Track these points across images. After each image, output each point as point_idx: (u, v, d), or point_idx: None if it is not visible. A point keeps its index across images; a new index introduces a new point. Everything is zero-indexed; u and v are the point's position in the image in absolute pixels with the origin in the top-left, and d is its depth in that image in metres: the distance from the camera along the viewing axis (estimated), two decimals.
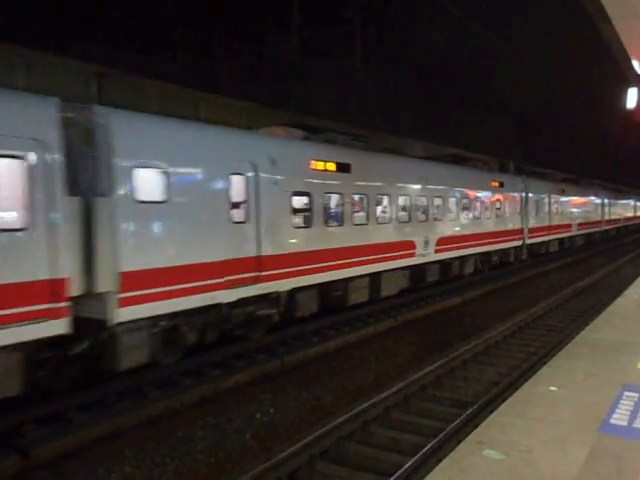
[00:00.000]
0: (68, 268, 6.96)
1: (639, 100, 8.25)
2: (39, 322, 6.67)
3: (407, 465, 5.81)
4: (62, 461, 6.40)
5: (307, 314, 11.32)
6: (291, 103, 15.31)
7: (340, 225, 12.05)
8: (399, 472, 5.69)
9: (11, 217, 6.77)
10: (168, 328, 8.44)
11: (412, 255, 14.73)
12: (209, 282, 8.84)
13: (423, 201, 15.33)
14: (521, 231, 21.98)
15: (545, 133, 35.08)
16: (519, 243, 21.88)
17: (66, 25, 10.75)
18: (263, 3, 13.55)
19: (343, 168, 12.11)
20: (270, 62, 14.28)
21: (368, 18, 15.79)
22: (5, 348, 6.43)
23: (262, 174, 9.78)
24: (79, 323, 7.18)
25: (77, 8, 10.76)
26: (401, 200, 14.42)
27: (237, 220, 9.40)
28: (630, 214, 45.58)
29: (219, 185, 9.14)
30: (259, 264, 9.73)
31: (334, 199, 12.09)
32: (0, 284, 6.34)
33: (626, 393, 5.77)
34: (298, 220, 11.00)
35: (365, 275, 12.83)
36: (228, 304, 9.25)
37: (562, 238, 27.61)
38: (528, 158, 29.93)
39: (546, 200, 25.15)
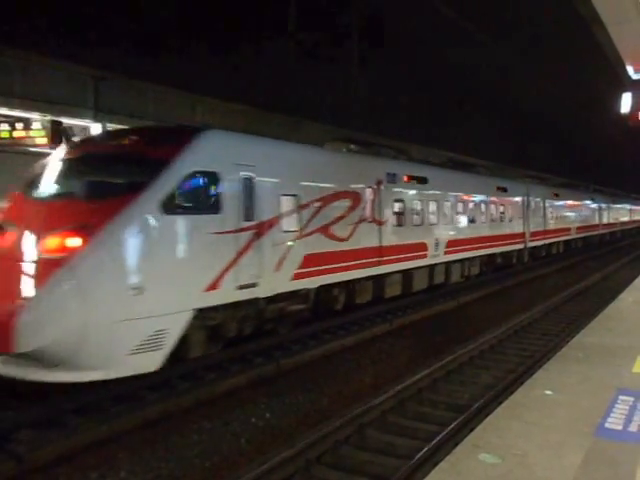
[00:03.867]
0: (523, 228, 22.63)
1: (633, 104, 8.29)
2: (522, 244, 22.39)
3: (403, 469, 5.81)
4: (56, 466, 6.36)
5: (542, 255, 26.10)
6: (289, 105, 15.33)
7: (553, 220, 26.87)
8: (395, 476, 5.69)
9: (518, 215, 22.23)
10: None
11: (569, 235, 29.68)
12: (513, 241, 21.57)
13: (575, 210, 31.24)
14: (598, 226, 36.94)
15: (541, 136, 35.18)
16: (597, 233, 36.85)
17: (63, 27, 10.74)
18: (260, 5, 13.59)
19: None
20: (267, 65, 14.28)
21: (365, 20, 15.82)
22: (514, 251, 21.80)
23: (530, 197, 23.63)
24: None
25: (73, 10, 10.75)
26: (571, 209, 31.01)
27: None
28: None
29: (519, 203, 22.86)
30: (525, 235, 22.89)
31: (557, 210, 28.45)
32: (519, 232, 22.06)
33: (621, 397, 5.79)
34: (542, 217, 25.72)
35: (557, 242, 27.85)
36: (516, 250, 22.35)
37: (612, 231, 42.97)
38: (527, 162, 30.17)
39: (607, 207, 40.12)
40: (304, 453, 6.25)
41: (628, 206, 50.69)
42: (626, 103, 8.49)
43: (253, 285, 9.15)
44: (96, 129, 12.42)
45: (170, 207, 7.80)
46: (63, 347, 6.88)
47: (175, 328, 7.92)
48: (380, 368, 10.28)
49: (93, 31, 11.04)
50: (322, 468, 6.25)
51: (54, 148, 14.47)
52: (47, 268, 6.93)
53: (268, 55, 14.08)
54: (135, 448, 6.85)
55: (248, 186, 9.07)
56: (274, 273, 9.72)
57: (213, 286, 8.42)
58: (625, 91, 8.63)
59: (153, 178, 7.75)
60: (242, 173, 8.99)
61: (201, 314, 8.39)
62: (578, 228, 31.15)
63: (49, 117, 13.34)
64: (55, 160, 8.74)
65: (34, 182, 8.43)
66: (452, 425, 6.95)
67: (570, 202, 30.09)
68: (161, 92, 13.01)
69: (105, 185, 7.98)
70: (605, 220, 38.91)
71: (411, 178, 14.53)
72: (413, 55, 17.60)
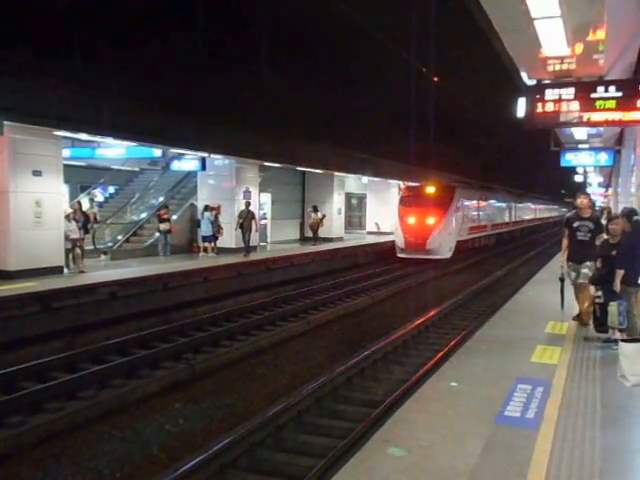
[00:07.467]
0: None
1: (527, 109, 8.82)
2: (509, 228, 40.78)
3: (317, 468, 5.89)
4: None
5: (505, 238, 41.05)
6: (200, 106, 15.02)
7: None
8: (309, 475, 5.75)
9: (509, 212, 41.01)
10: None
11: (525, 224, 48.05)
12: (507, 226, 39.52)
13: (527, 209, 50.29)
14: (535, 219, 54.71)
15: (450, 139, 36.58)
16: (535, 224, 53.50)
17: None
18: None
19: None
20: (175, 64, 13.93)
21: (275, 22, 15.82)
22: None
23: (511, 202, 42.94)
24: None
25: None
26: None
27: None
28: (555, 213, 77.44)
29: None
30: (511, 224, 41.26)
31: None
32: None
33: (520, 386, 6.17)
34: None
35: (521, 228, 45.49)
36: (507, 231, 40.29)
37: (541, 224, 58.57)
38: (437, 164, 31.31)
39: (540, 207, 58.24)
40: (219, 457, 6.19)
41: (550, 205, 70.23)
42: (521, 107, 9.03)
43: (462, 235, 26.19)
44: None
45: (466, 212, 28.45)
46: (436, 248, 24.35)
47: (454, 246, 25.15)
48: (297, 368, 10.33)
49: None
50: (237, 472, 6.22)
51: None
52: (433, 226, 24.66)
53: (176, 54, 13.73)
54: (40, 463, 6.52)
55: (464, 203, 27.18)
56: (464, 232, 26.68)
57: (458, 234, 25.76)
58: (520, 96, 9.18)
59: (450, 202, 25.58)
60: (462, 199, 26.80)
61: (456, 243, 25.30)
62: (528, 220, 49.15)
63: None
64: (407, 194, 26.97)
65: (403, 200, 26.30)
66: (365, 421, 7.11)
67: (525, 204, 48.07)
68: (63, 91, 12.36)
69: (438, 204, 25.12)
70: (539, 216, 58.03)
71: (485, 196, 32.16)
72: (322, 57, 17.80)
